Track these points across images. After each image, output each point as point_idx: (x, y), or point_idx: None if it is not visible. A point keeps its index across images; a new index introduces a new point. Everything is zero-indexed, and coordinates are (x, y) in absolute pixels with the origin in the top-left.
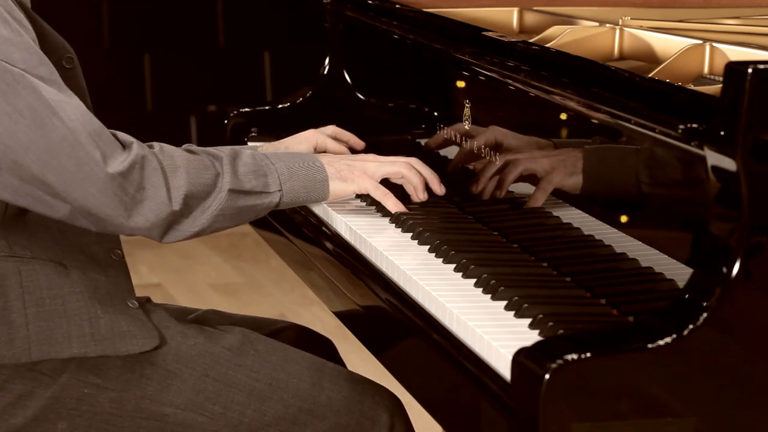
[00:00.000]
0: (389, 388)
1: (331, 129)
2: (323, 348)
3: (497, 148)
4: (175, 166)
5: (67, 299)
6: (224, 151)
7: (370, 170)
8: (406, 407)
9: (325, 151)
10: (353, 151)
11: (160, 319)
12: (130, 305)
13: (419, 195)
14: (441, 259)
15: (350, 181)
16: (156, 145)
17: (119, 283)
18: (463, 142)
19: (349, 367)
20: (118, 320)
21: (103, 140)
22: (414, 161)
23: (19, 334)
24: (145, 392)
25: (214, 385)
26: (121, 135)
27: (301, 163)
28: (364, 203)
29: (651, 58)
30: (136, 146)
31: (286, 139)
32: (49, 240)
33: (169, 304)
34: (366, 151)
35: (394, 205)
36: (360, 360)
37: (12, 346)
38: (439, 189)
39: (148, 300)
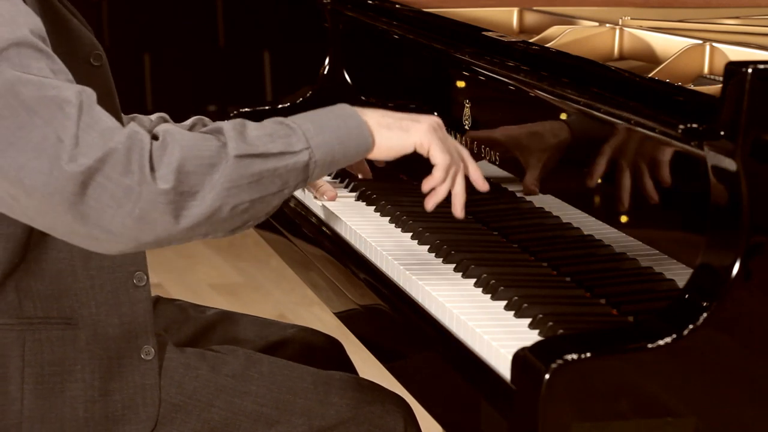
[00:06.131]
0: (395, 389)
1: None
2: (332, 350)
3: (499, 147)
4: (165, 143)
5: (67, 378)
6: (226, 123)
7: (435, 126)
8: None
9: None
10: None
11: (167, 352)
12: (144, 356)
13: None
14: (441, 259)
15: (411, 132)
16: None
17: (135, 326)
18: (464, 143)
19: None
20: (114, 402)
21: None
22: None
23: (13, 407)
24: None
25: (219, 415)
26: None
27: (331, 115)
28: (364, 203)
29: (651, 58)
30: (128, 127)
31: None
32: (67, 276)
33: (182, 301)
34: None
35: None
36: (361, 360)
37: (3, 419)
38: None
39: (158, 300)
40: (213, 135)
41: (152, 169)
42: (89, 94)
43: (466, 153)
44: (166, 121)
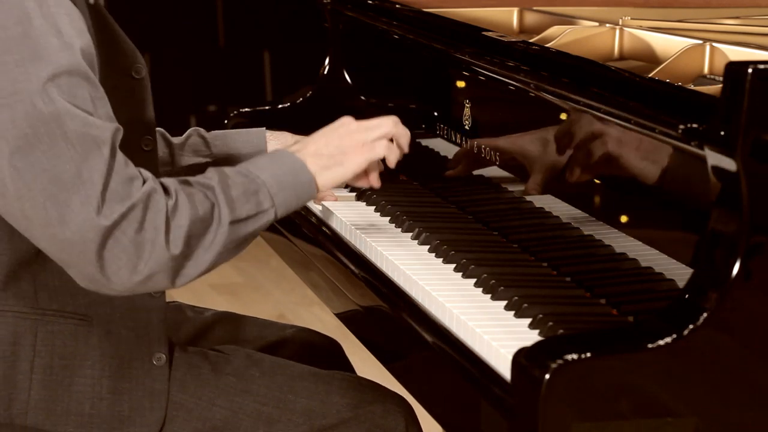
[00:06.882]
0: (395, 389)
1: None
2: (330, 350)
3: (500, 151)
4: (177, 205)
5: (76, 372)
6: (213, 178)
7: (361, 139)
8: None
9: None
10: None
11: (177, 355)
12: (155, 362)
13: (406, 149)
14: (441, 259)
15: (345, 164)
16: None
17: (148, 332)
18: (464, 143)
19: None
20: (121, 402)
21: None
22: (394, 118)
23: (20, 397)
24: None
25: (221, 413)
26: (139, 172)
27: (285, 168)
28: (364, 203)
29: (651, 58)
30: (147, 184)
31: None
32: None
33: (180, 302)
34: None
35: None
36: (360, 360)
37: (9, 407)
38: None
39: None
40: (204, 194)
41: (167, 231)
42: (119, 134)
43: (389, 126)
44: (164, 136)
